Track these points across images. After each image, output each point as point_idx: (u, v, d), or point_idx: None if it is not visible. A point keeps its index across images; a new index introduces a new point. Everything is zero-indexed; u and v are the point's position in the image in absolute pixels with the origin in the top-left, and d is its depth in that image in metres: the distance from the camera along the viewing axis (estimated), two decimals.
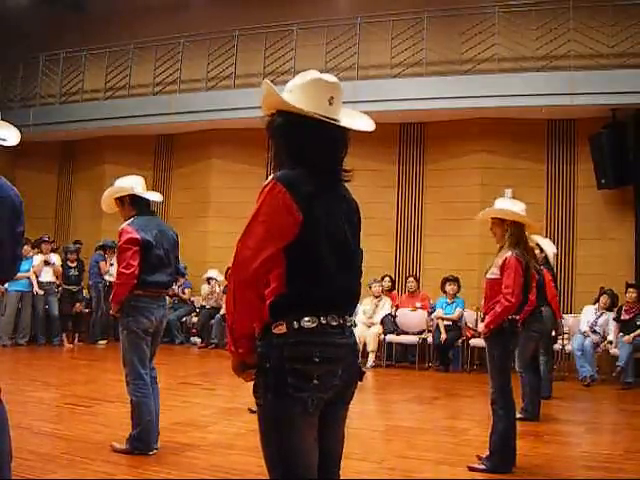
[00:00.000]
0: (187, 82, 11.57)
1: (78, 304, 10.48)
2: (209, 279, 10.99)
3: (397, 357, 9.52)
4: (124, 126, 11.60)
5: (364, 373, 2.20)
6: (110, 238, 11.13)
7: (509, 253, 4.26)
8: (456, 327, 9.29)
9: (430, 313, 9.58)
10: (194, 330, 11.20)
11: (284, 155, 2.17)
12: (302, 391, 1.97)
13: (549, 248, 7.05)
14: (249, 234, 2.01)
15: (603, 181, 9.25)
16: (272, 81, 2.14)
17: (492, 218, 4.44)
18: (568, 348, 8.75)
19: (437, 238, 10.37)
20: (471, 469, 4.23)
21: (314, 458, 2.04)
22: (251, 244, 1.99)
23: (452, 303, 9.41)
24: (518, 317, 4.34)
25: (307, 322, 2.00)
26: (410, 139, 10.75)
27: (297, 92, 2.14)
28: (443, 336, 9.17)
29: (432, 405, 7.04)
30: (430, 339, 9.34)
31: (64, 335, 10.25)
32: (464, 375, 8.95)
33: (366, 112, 2.31)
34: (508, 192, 10.04)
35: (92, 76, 12.24)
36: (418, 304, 9.64)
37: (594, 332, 8.53)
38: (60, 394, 6.48)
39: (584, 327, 8.62)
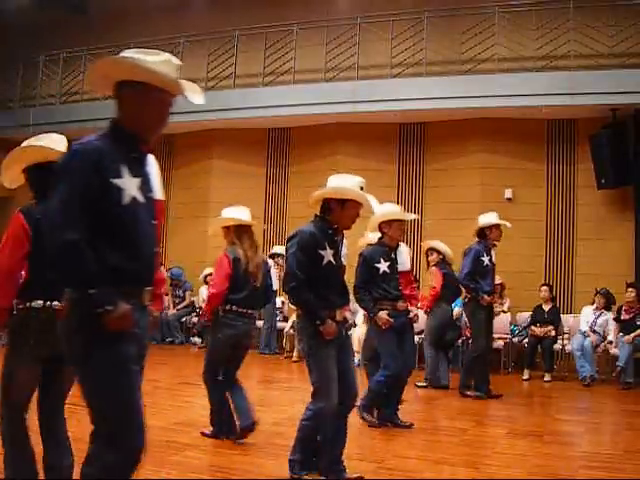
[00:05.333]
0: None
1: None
2: (207, 276, 10.87)
3: None
4: None
5: None
6: None
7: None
8: (455, 327, 9.26)
9: None
10: (194, 330, 11.19)
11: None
12: (24, 345, 3.00)
13: (445, 248, 7.85)
14: (5, 248, 3.05)
15: (603, 181, 9.25)
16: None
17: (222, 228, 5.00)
18: (568, 348, 8.76)
19: (437, 238, 10.35)
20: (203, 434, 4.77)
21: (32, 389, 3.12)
22: (7, 254, 3.03)
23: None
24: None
25: (35, 303, 3.00)
26: (410, 139, 10.73)
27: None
28: None
29: (432, 405, 7.04)
30: None
31: None
32: None
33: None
34: (508, 192, 10.07)
35: None
36: (418, 304, 9.60)
37: (594, 332, 8.54)
38: None
39: (584, 327, 8.63)
